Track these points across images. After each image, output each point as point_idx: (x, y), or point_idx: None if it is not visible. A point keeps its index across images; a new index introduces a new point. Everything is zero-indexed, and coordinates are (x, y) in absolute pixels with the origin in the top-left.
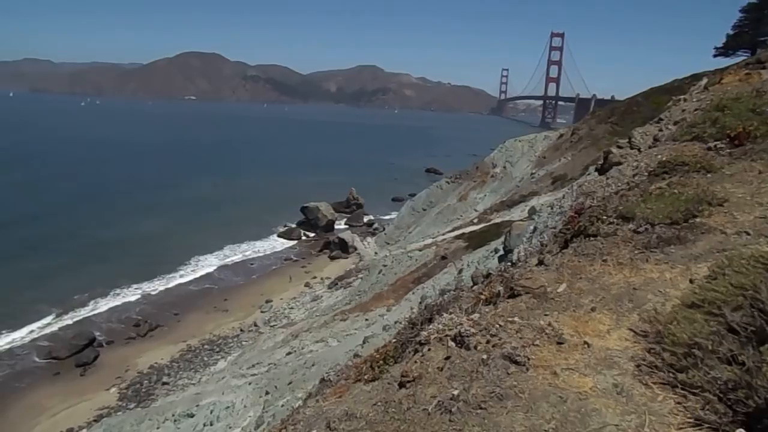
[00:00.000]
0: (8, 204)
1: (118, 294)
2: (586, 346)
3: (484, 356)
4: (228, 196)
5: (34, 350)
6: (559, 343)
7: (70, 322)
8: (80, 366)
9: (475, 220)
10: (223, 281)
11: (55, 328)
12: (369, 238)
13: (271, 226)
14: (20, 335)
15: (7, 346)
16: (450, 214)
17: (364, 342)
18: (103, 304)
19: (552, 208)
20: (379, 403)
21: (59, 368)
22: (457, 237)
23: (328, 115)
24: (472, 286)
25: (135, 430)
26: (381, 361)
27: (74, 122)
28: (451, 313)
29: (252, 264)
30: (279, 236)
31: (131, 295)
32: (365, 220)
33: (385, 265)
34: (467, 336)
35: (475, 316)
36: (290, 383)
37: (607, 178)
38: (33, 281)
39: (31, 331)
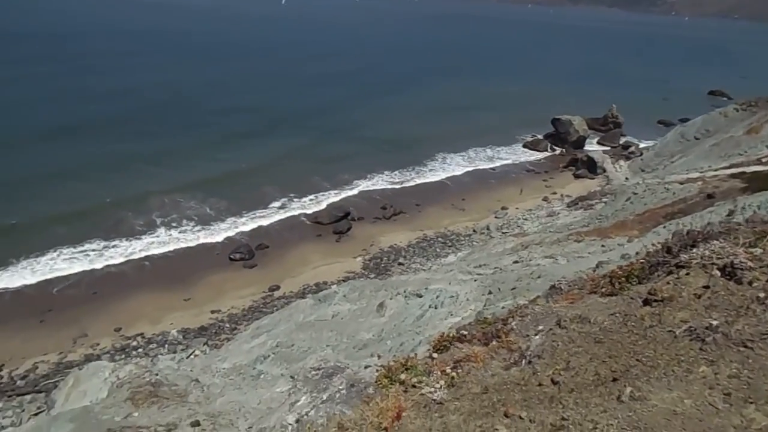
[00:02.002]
0: (304, 97)
1: (372, 179)
2: None
3: (761, 294)
4: (479, 100)
5: (306, 215)
6: None
7: (334, 197)
8: (336, 233)
9: (765, 159)
10: (463, 182)
11: (322, 199)
12: (622, 162)
13: (518, 135)
14: (300, 203)
15: (296, 212)
16: (730, 147)
17: (597, 266)
18: (360, 186)
19: None
20: (618, 315)
21: (321, 231)
22: (734, 176)
23: (596, 20)
24: None
25: (372, 296)
26: (623, 278)
27: (340, 20)
28: (723, 242)
29: (493, 170)
30: (524, 146)
31: (382, 182)
32: (621, 141)
33: (635, 193)
34: (741, 269)
35: (757, 250)
36: (513, 289)
37: None
38: (315, 163)
39: (311, 200)
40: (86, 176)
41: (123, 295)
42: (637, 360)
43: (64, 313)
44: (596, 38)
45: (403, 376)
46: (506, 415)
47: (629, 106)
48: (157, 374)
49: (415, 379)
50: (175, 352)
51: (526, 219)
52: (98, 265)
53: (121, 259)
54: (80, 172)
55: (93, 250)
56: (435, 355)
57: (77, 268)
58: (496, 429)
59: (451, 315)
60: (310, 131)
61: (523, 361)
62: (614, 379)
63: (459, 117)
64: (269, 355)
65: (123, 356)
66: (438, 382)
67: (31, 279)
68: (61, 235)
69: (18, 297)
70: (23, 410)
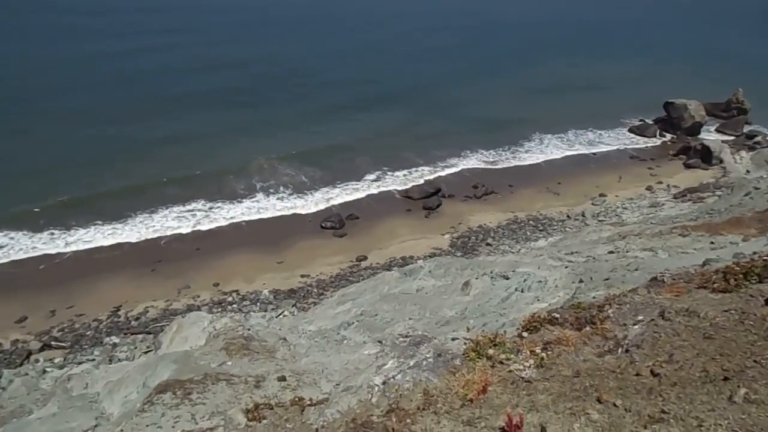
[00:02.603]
0: (405, 73)
1: (466, 157)
2: None
3: None
4: (585, 79)
5: (397, 189)
6: None
7: (427, 174)
8: (426, 209)
9: None
10: (560, 165)
11: (415, 174)
12: (743, 152)
13: (623, 118)
14: (393, 177)
15: (388, 186)
16: None
17: (703, 264)
18: (453, 164)
19: None
20: (733, 312)
21: (411, 207)
22: None
23: None
24: None
25: (458, 274)
26: (741, 275)
27: None
28: None
29: (594, 154)
30: (630, 131)
31: (476, 160)
32: (745, 130)
33: (756, 188)
34: None
35: None
36: (607, 279)
37: None
38: (411, 139)
39: (404, 175)
40: (196, 143)
41: (222, 253)
42: (755, 361)
43: (171, 265)
44: (723, 10)
45: (490, 352)
46: (599, 401)
47: (759, 91)
48: (249, 329)
49: (503, 356)
50: (265, 311)
51: (625, 208)
52: (202, 225)
53: (223, 221)
54: (190, 139)
55: (199, 210)
56: (524, 334)
57: (184, 225)
58: (588, 413)
59: (538, 300)
60: (408, 107)
61: (620, 350)
62: (725, 378)
63: (561, 97)
64: (353, 323)
65: (219, 309)
66: (527, 361)
67: (145, 234)
68: (172, 196)
69: (135, 248)
70: (135, 347)
